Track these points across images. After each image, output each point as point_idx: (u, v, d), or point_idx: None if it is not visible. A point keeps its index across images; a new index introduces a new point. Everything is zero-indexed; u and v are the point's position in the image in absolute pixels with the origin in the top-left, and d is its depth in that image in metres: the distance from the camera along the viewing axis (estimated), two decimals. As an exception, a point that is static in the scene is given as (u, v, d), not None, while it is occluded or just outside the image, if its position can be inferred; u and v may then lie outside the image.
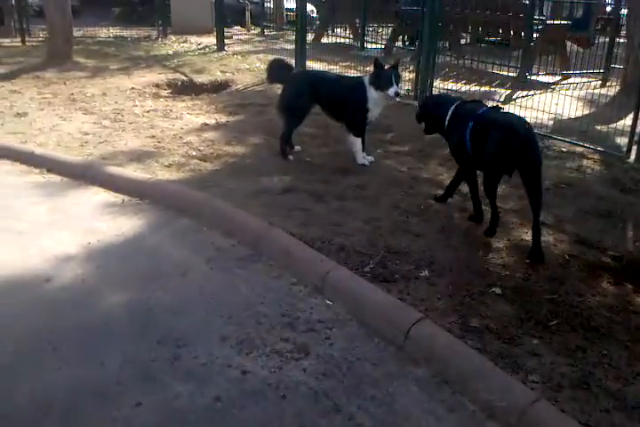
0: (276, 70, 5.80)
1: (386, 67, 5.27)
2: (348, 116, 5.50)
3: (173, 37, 14.02)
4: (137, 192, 4.88)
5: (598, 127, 6.84)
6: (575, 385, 2.84)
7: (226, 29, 13.62)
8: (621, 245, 4.23)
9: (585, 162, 5.96)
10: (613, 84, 9.55)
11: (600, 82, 9.77)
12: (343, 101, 5.40)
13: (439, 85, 8.59)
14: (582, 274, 3.84)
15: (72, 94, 7.95)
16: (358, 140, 5.53)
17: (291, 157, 5.68)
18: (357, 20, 13.04)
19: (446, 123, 4.44)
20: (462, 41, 11.67)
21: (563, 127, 6.94)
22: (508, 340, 3.14)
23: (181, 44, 13.06)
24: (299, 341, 3.16)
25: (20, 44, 12.32)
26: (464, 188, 4.82)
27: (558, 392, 2.79)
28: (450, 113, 4.40)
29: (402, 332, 3.13)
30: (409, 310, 3.27)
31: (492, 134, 4.03)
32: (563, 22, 10.97)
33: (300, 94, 5.56)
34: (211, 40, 12.96)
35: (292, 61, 9.90)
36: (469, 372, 2.89)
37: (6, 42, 12.52)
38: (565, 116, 7.12)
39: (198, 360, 3.00)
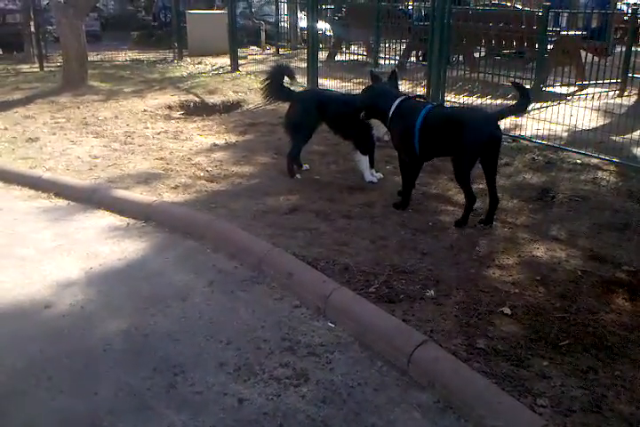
0: (276, 88, 5.72)
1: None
2: (355, 134, 5.44)
3: (189, 59, 14.13)
4: (142, 215, 4.85)
5: (614, 138, 6.68)
6: (586, 409, 2.71)
7: (241, 50, 13.70)
8: (637, 260, 4.07)
9: (600, 174, 5.81)
10: (631, 93, 9.37)
11: (617, 92, 9.59)
12: (347, 119, 5.31)
13: (452, 99, 8.51)
14: (595, 290, 3.70)
15: (84, 118, 8.00)
16: (365, 158, 5.46)
17: (298, 176, 5.63)
18: (371, 37, 13.03)
19: (390, 115, 4.76)
20: (476, 54, 11.57)
21: (578, 139, 6.80)
22: (517, 362, 3.02)
23: (196, 66, 13.14)
24: (298, 366, 3.06)
25: (38, 69, 12.47)
26: (477, 204, 4.70)
27: (568, 417, 2.66)
28: (394, 107, 4.73)
29: (405, 355, 3.02)
30: (412, 333, 3.16)
31: (471, 129, 4.36)
32: (577, 33, 10.83)
33: (307, 113, 5.52)
34: (226, 61, 13.02)
35: (305, 79, 9.93)
36: (474, 397, 2.77)
37: (25, 68, 12.71)
38: (581, 128, 6.98)
39: (194, 388, 2.92)
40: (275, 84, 5.70)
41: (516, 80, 4.76)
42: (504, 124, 7.02)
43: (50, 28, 14.77)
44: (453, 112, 4.98)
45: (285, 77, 5.84)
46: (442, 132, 4.51)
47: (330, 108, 5.52)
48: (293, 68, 6.30)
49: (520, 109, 4.73)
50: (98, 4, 19.57)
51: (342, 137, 5.74)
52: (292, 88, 5.92)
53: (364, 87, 5.50)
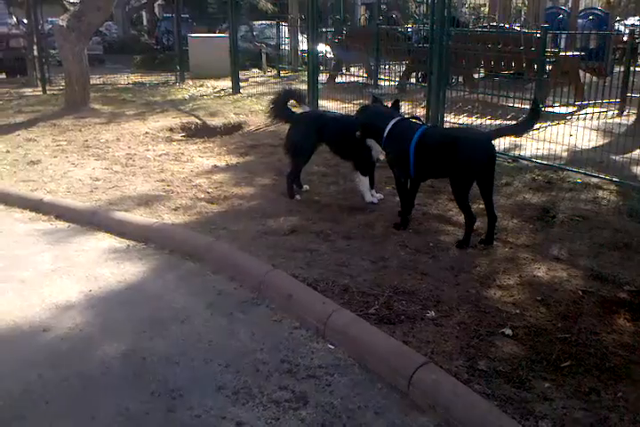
0: (279, 108, 5.79)
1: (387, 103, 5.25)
2: (354, 155, 5.45)
3: (191, 82, 14.26)
4: (142, 237, 4.85)
5: (614, 157, 6.69)
6: (589, 431, 2.68)
7: (242, 72, 13.82)
8: (638, 279, 4.05)
9: (600, 193, 5.81)
10: (630, 113, 9.40)
11: (616, 111, 9.63)
12: (347, 140, 5.32)
13: (452, 120, 8.54)
14: (597, 311, 3.67)
15: (86, 141, 8.04)
16: (365, 179, 5.47)
17: (298, 197, 5.63)
18: (371, 59, 13.14)
19: (385, 135, 4.79)
20: (476, 75, 11.65)
21: (577, 158, 6.82)
22: (518, 383, 2.98)
23: (198, 89, 13.25)
24: (298, 389, 3.03)
25: (40, 93, 12.60)
26: (477, 224, 4.69)
27: (571, 440, 2.63)
28: (389, 127, 4.76)
29: (405, 377, 2.99)
30: (412, 354, 3.14)
31: (465, 148, 4.38)
32: (575, 53, 10.91)
33: (306, 134, 5.55)
34: (227, 83, 13.13)
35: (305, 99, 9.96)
36: (476, 420, 2.73)
37: (28, 91, 12.85)
38: (580, 148, 6.99)
39: (193, 412, 2.88)
40: (279, 104, 5.76)
41: (536, 101, 4.77)
42: (504, 144, 7.08)
43: (53, 52, 14.96)
44: (448, 132, 5.07)
45: (291, 100, 5.91)
46: (437, 152, 4.54)
47: (329, 130, 5.55)
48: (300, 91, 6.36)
49: (518, 131, 4.78)
50: (101, 29, 19.80)
51: (342, 158, 5.76)
52: (293, 110, 5.96)
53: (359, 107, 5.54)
